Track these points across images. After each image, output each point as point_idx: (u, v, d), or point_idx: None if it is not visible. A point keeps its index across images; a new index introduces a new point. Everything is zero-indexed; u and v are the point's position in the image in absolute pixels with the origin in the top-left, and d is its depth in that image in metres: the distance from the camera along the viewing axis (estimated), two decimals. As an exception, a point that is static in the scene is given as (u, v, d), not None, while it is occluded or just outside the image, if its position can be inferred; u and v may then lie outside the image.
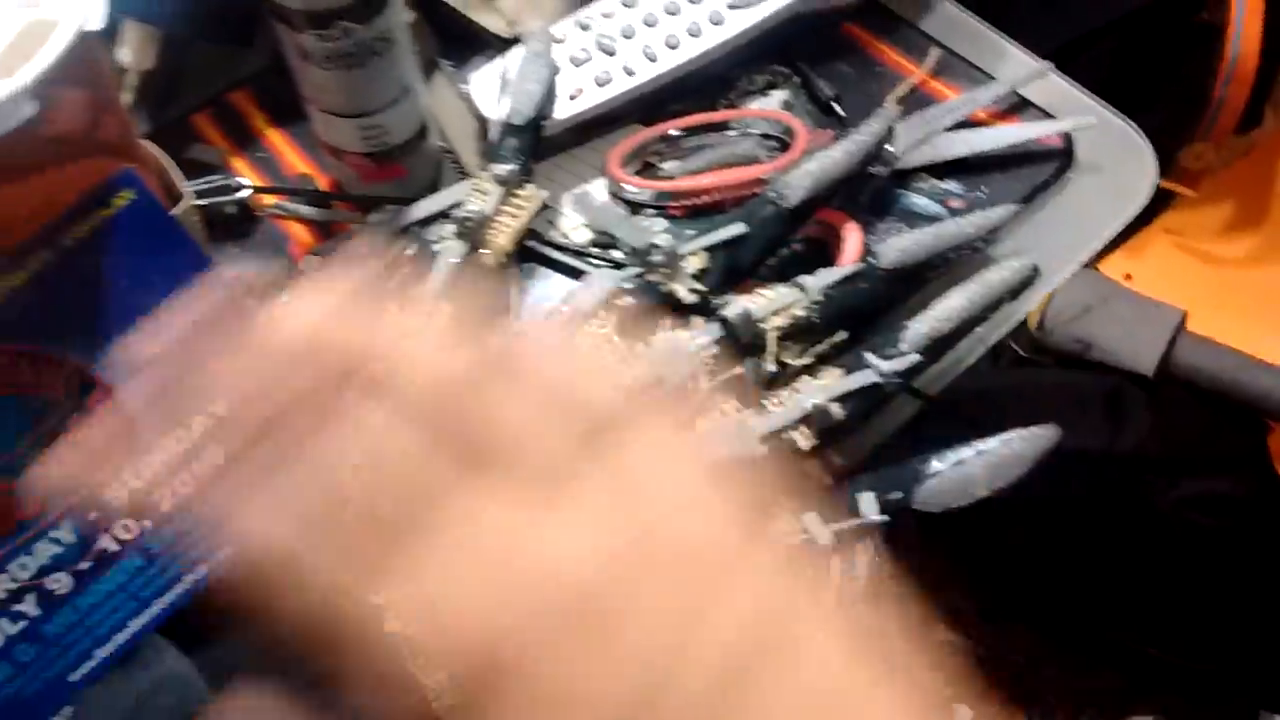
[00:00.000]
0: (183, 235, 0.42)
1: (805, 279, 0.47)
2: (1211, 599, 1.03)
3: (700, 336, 0.45)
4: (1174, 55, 1.03)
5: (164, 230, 0.42)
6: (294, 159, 0.59)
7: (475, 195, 0.49)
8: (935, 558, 0.76)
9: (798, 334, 0.46)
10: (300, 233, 0.56)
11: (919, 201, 0.54)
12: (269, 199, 0.56)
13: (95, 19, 0.39)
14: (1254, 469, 1.05)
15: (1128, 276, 1.07)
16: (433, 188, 0.56)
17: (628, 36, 0.56)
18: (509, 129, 0.50)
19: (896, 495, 0.44)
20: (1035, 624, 1.14)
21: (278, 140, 0.59)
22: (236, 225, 0.55)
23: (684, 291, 0.47)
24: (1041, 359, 1.00)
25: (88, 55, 0.39)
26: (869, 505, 0.44)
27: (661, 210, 0.55)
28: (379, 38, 0.47)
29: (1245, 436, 1.06)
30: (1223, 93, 1.01)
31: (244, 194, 0.55)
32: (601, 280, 0.47)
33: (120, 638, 0.41)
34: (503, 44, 0.59)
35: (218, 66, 0.61)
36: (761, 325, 0.46)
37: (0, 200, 0.38)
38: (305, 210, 0.56)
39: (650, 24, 0.56)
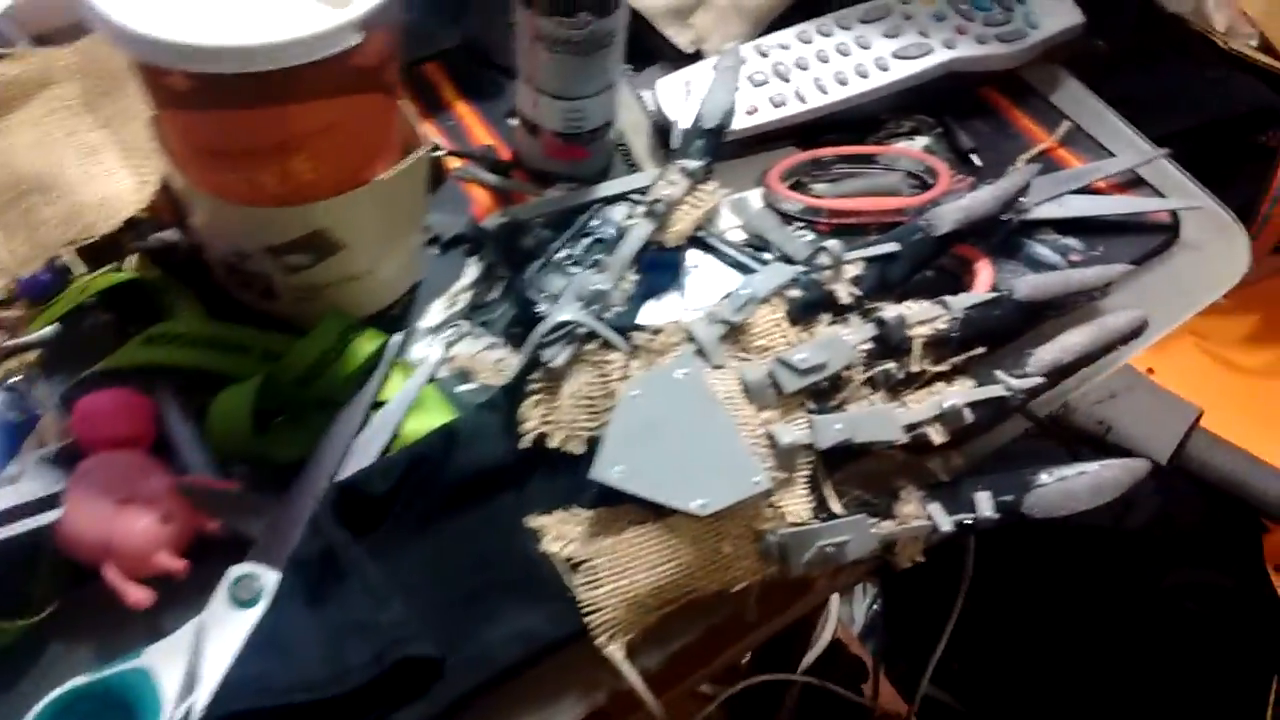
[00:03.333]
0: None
1: (949, 298, 0.53)
2: (1190, 680, 1.09)
3: (857, 333, 0.51)
4: (1230, 171, 1.11)
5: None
6: (480, 132, 0.65)
7: (665, 183, 0.55)
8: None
9: (938, 344, 0.52)
10: (482, 196, 0.62)
11: (1042, 251, 0.61)
12: (456, 162, 0.62)
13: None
14: (1246, 565, 1.10)
15: (1150, 370, 1.13)
16: (604, 174, 0.62)
17: (802, 68, 0.62)
18: (699, 131, 0.56)
19: (1008, 498, 0.50)
20: (1015, 687, 1.19)
21: (464, 112, 0.65)
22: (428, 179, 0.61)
23: (844, 293, 0.53)
24: (1051, 438, 1.06)
25: (394, 3, 0.45)
26: (986, 504, 0.50)
27: (809, 224, 0.61)
28: (608, 32, 0.54)
29: (1243, 533, 1.11)
30: (1269, 211, 1.08)
31: (439, 153, 0.61)
32: (777, 272, 0.53)
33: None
34: (680, 57, 0.66)
35: (416, 37, 0.67)
36: (909, 331, 0.52)
37: (303, 115, 0.44)
38: (488, 177, 0.62)
39: (823, 60, 0.63)
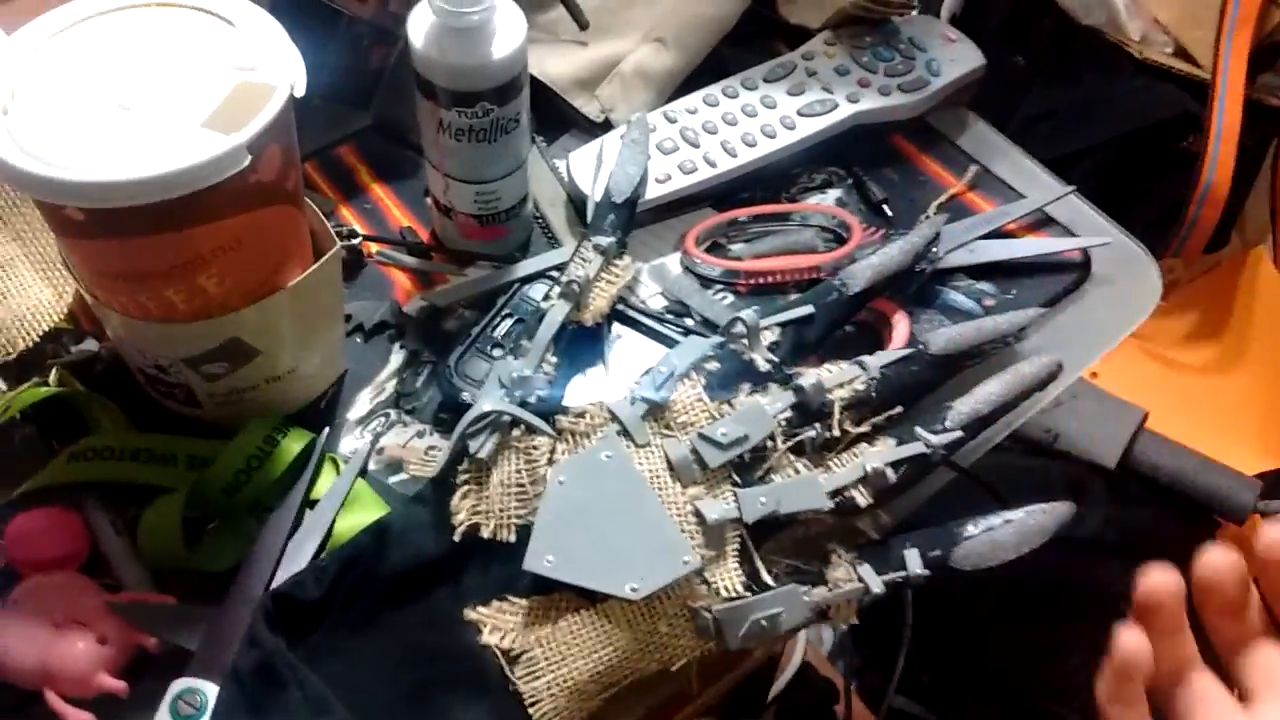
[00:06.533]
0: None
1: (866, 358, 0.54)
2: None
3: (777, 401, 0.52)
4: (1155, 177, 1.13)
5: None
6: (397, 213, 0.65)
7: (579, 261, 0.56)
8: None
9: (858, 405, 0.53)
10: (402, 280, 0.62)
11: (957, 298, 0.62)
12: (375, 247, 0.63)
13: (300, 87, 0.45)
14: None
15: (1094, 375, 1.15)
16: (524, 248, 0.63)
17: (710, 132, 0.63)
18: (610, 205, 0.57)
19: (936, 554, 0.51)
20: (984, 695, 1.20)
21: (381, 194, 0.66)
22: (346, 269, 0.61)
23: (761, 361, 0.54)
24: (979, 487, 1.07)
25: (287, 116, 0.45)
26: (915, 562, 0.51)
27: (728, 286, 0.62)
28: (510, 119, 0.54)
29: (1195, 532, 1.13)
30: (1196, 214, 1.10)
31: (356, 241, 0.61)
32: (695, 345, 0.53)
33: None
34: (592, 126, 0.66)
35: (328, 121, 0.67)
36: (829, 395, 0.53)
37: (205, 236, 0.44)
38: (408, 260, 0.62)
39: (730, 123, 0.63)
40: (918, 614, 0.75)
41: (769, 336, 0.55)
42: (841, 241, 0.62)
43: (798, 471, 0.51)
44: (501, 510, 0.50)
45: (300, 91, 0.45)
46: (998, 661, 1.18)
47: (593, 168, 0.61)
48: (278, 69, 0.45)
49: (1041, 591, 1.13)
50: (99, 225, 0.43)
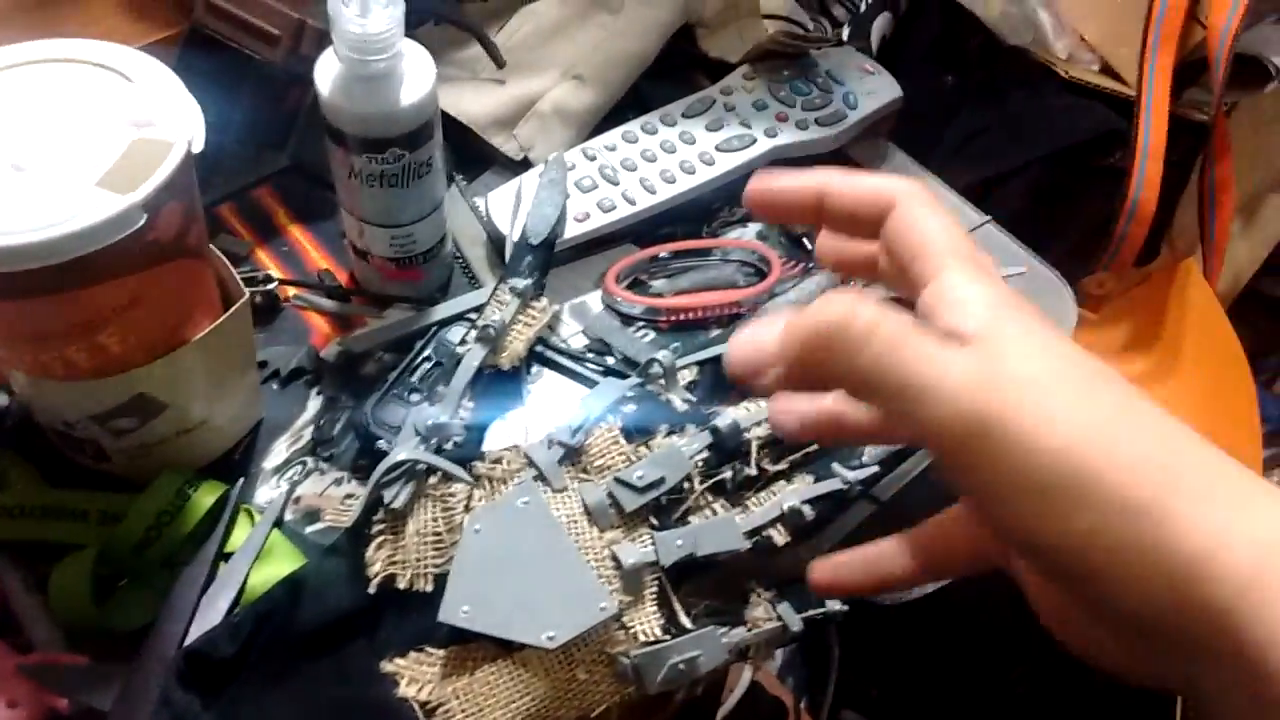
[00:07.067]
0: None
1: (783, 395, 0.54)
2: (1103, 695, 1.12)
3: (694, 442, 0.52)
4: (1081, 194, 1.14)
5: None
6: (315, 255, 0.64)
7: (495, 305, 0.56)
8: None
9: (774, 444, 0.53)
10: (320, 323, 0.62)
11: (877, 330, 0.62)
12: (292, 290, 0.62)
13: (199, 141, 0.44)
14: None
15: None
16: (444, 289, 0.63)
17: (629, 169, 0.63)
18: (527, 247, 0.57)
19: (856, 589, 0.51)
20: (932, 708, 1.21)
21: (299, 236, 0.65)
22: (261, 314, 0.61)
23: (679, 401, 0.54)
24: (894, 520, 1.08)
25: (186, 171, 0.44)
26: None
27: (650, 323, 0.62)
28: (423, 163, 0.54)
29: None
30: (1124, 229, 1.12)
31: (272, 286, 0.61)
32: (612, 388, 0.53)
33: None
34: (512, 164, 0.66)
35: (243, 163, 0.66)
36: (745, 435, 0.53)
37: (104, 295, 0.44)
38: (326, 303, 0.62)
39: (649, 159, 0.63)
40: (862, 630, 0.75)
41: (687, 376, 0.55)
42: (762, 276, 0.62)
43: (715, 512, 0.51)
44: (418, 559, 0.50)
45: (198, 147, 0.44)
46: (942, 674, 1.19)
47: (511, 207, 0.61)
48: (176, 124, 0.44)
49: (978, 604, 1.15)
50: (-6, 287, 0.42)
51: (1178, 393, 1.17)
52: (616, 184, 0.63)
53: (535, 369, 0.59)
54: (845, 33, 0.85)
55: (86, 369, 0.47)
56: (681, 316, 0.61)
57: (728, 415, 0.53)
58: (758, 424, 0.53)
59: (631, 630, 0.49)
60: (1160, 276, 1.21)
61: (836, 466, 0.53)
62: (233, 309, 0.50)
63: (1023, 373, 0.29)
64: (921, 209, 0.34)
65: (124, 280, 0.44)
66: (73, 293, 0.43)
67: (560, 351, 0.59)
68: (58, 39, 0.46)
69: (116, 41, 0.47)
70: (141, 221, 0.42)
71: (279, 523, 0.54)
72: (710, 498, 0.52)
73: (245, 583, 0.51)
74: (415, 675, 0.48)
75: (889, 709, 1.21)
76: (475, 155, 0.67)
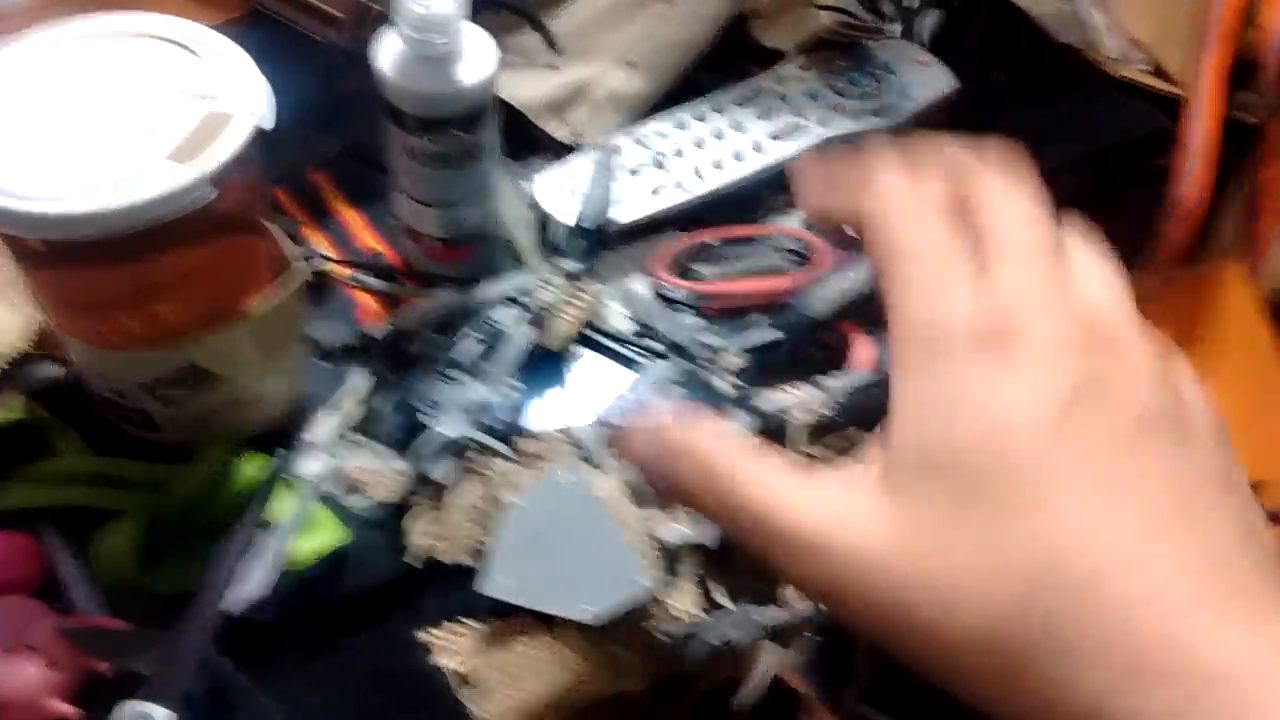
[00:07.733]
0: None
1: (829, 382, 0.54)
2: None
3: (739, 426, 0.52)
4: (1129, 194, 1.13)
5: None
6: (364, 235, 0.65)
7: (545, 286, 0.56)
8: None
9: (820, 429, 0.53)
10: (368, 302, 0.62)
11: (922, 321, 0.62)
12: (342, 270, 0.63)
13: (268, 117, 0.45)
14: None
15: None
16: (491, 271, 0.63)
17: (679, 155, 0.63)
18: (578, 230, 0.57)
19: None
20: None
21: (350, 217, 0.66)
22: (311, 291, 0.61)
23: (725, 386, 0.54)
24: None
25: (253, 147, 0.45)
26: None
27: (696, 309, 0.62)
28: (478, 144, 0.54)
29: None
30: (1169, 230, 1.11)
31: (323, 264, 0.61)
32: (659, 370, 0.53)
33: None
34: (562, 149, 0.66)
35: (296, 145, 0.67)
36: (790, 419, 0.53)
37: (165, 266, 0.44)
38: (374, 282, 0.62)
39: (700, 146, 0.64)
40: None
41: (734, 361, 0.55)
42: (806, 263, 0.63)
43: (757, 497, 0.51)
44: (460, 535, 0.50)
45: (268, 123, 0.45)
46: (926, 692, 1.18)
47: (560, 191, 0.61)
48: (243, 100, 0.45)
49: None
50: (57, 256, 0.43)
51: (1218, 396, 1.16)
52: (667, 170, 0.63)
53: (578, 351, 0.59)
54: (896, 29, 0.85)
55: (139, 339, 0.48)
56: (729, 303, 0.61)
57: (773, 399, 0.53)
58: (802, 408, 0.53)
59: (669, 608, 0.49)
60: (1203, 279, 1.20)
61: (880, 454, 0.53)
62: (288, 285, 0.51)
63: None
64: (903, 286, 0.32)
65: (186, 252, 0.45)
66: (136, 263, 0.44)
67: (607, 335, 0.59)
68: (131, 13, 0.47)
69: (182, 22, 0.47)
70: (210, 195, 0.42)
71: (321, 495, 0.54)
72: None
73: (287, 552, 0.52)
74: (450, 645, 0.49)
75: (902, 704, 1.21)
76: (523, 140, 0.67)
